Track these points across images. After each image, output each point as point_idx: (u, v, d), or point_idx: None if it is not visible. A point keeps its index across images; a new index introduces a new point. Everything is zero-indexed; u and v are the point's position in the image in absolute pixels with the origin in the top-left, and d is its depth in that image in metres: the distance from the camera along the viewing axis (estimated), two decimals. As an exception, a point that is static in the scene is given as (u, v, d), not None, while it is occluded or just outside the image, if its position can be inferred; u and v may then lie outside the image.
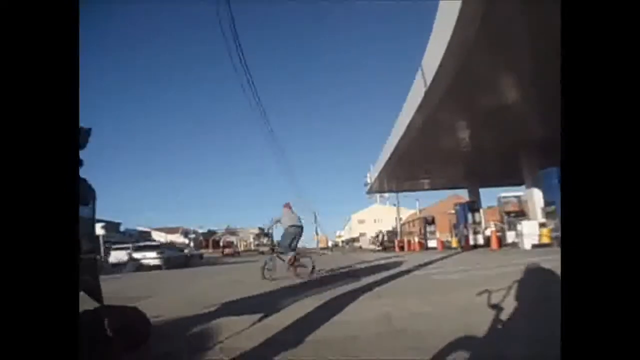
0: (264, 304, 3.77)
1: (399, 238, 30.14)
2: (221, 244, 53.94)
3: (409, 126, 16.53)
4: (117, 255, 20.05)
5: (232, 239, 59.89)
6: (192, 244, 48.64)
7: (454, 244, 20.65)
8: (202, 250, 42.00)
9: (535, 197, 16.65)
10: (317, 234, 57.73)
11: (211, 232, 67.22)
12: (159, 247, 19.56)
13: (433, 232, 24.60)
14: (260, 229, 11.26)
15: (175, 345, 2.64)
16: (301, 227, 7.66)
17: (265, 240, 11.25)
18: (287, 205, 7.85)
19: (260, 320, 3.16)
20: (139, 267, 17.35)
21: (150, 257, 17.75)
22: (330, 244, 54.56)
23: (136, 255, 18.23)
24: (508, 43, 9.96)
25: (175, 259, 19.52)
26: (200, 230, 65.21)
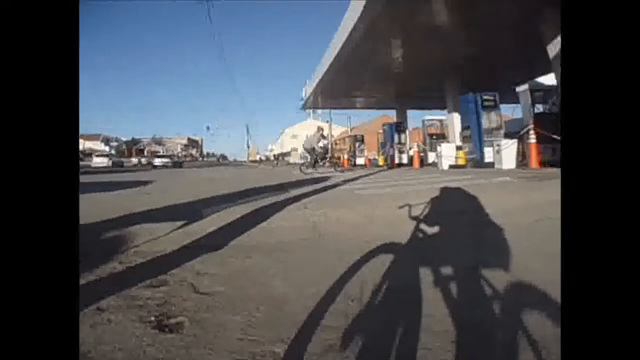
0: (195, 211, 3.71)
1: (329, 154, 30.86)
2: (145, 153, 51.52)
3: (346, 41, 16.08)
4: None
5: (158, 148, 57.24)
6: (112, 152, 46.09)
7: (381, 162, 21.69)
8: (124, 159, 40.55)
9: (455, 121, 17.67)
10: (248, 147, 57.04)
11: (135, 141, 63.62)
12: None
13: (362, 150, 25.52)
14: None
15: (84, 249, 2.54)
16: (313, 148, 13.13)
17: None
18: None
19: (182, 226, 3.13)
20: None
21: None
22: (259, 157, 54.42)
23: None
24: None
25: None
26: (124, 139, 61.34)
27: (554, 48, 12.19)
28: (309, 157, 14.32)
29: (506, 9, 12.12)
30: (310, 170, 13.02)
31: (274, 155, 68.22)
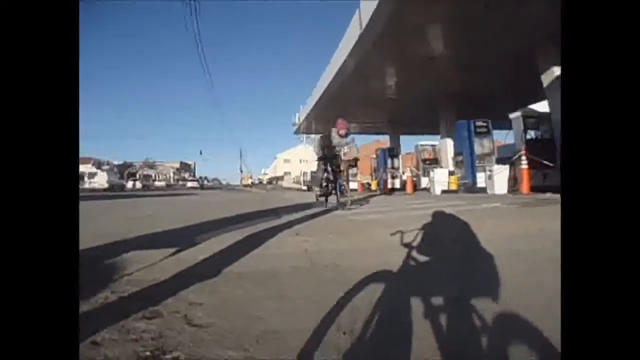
0: (183, 237, 3.71)
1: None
2: (138, 177, 51.23)
3: (340, 69, 16.51)
4: None
5: (150, 172, 57.02)
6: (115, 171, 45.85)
7: (374, 187, 21.79)
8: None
9: (448, 147, 17.95)
10: (241, 171, 57.06)
11: (127, 164, 63.44)
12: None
13: (355, 175, 25.60)
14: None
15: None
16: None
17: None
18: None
19: (174, 253, 3.12)
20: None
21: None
22: (251, 181, 54.41)
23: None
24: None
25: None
26: (116, 162, 61.18)
27: (547, 77, 12.71)
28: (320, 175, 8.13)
29: (501, 40, 12.60)
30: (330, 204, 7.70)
31: (268, 179, 68.30)
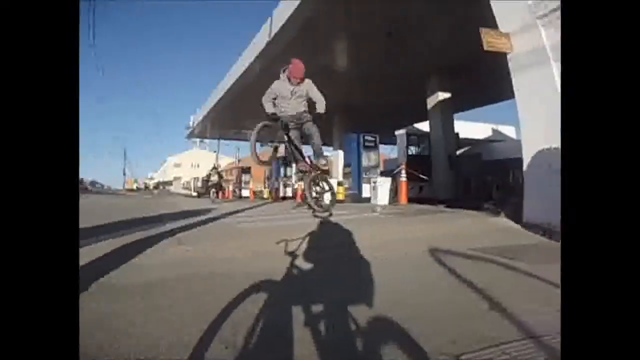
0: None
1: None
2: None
3: (243, 74, 16.26)
4: None
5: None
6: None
7: (266, 195, 21.73)
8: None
9: (340, 158, 18.85)
10: (124, 174, 52.31)
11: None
12: None
13: (247, 182, 25.29)
14: None
15: None
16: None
17: None
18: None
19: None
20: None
21: None
22: (136, 185, 50.15)
23: None
24: (351, 18, 10.80)
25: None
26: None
27: (431, 101, 14.39)
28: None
29: (398, 64, 13.75)
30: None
31: (155, 184, 63.55)
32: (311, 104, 5.22)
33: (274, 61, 14.11)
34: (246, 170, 26.06)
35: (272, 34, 12.42)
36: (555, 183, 4.88)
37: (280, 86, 5.14)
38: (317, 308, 2.10)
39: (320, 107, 5.14)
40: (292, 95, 5.10)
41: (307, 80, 5.15)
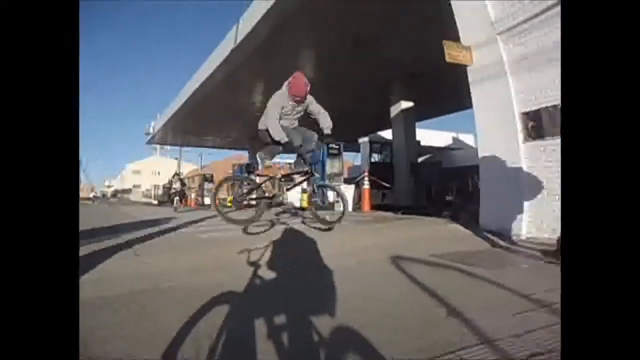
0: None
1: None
2: None
3: (206, 81, 16.00)
4: None
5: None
6: None
7: (229, 203, 21.33)
8: None
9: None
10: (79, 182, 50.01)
11: None
12: None
13: (210, 190, 24.74)
14: None
15: None
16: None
17: None
18: None
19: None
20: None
21: None
22: (93, 194, 47.92)
23: None
24: (318, 26, 10.95)
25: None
26: None
27: (395, 109, 14.72)
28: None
29: (364, 72, 13.99)
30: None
31: (112, 192, 61.00)
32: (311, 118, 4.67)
33: (238, 68, 14.04)
34: (209, 177, 25.57)
35: (238, 41, 12.29)
36: (508, 190, 5.13)
37: (283, 102, 4.40)
38: (279, 318, 2.08)
39: (325, 122, 4.66)
40: (293, 113, 4.54)
41: (309, 97, 4.60)
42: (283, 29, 10.95)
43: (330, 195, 6.25)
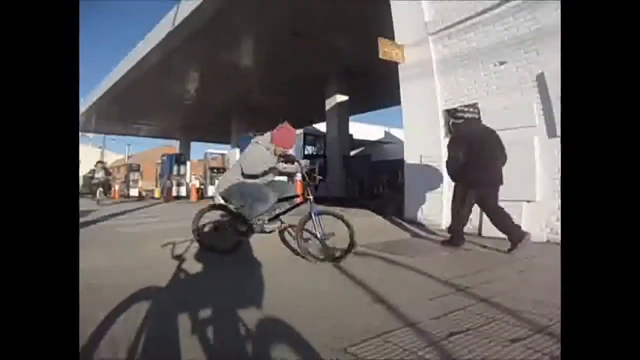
0: None
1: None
2: None
3: (137, 65, 14.93)
4: None
5: None
6: None
7: (157, 194, 20.32)
8: None
9: (236, 157, 18.51)
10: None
11: None
12: None
13: (136, 181, 23.37)
14: None
15: None
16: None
17: None
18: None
19: None
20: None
21: None
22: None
23: None
24: (260, 13, 10.70)
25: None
26: None
27: (330, 102, 14.90)
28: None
29: (302, 64, 13.91)
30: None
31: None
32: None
33: (173, 52, 13.32)
34: (135, 167, 24.02)
35: (176, 24, 11.63)
36: (428, 183, 5.45)
37: (265, 155, 3.81)
38: (204, 313, 2.05)
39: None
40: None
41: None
42: (226, 12, 10.57)
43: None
